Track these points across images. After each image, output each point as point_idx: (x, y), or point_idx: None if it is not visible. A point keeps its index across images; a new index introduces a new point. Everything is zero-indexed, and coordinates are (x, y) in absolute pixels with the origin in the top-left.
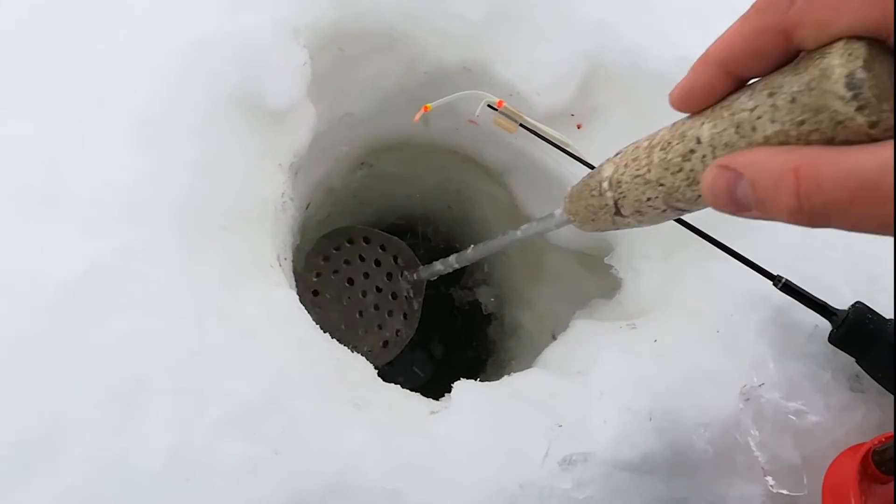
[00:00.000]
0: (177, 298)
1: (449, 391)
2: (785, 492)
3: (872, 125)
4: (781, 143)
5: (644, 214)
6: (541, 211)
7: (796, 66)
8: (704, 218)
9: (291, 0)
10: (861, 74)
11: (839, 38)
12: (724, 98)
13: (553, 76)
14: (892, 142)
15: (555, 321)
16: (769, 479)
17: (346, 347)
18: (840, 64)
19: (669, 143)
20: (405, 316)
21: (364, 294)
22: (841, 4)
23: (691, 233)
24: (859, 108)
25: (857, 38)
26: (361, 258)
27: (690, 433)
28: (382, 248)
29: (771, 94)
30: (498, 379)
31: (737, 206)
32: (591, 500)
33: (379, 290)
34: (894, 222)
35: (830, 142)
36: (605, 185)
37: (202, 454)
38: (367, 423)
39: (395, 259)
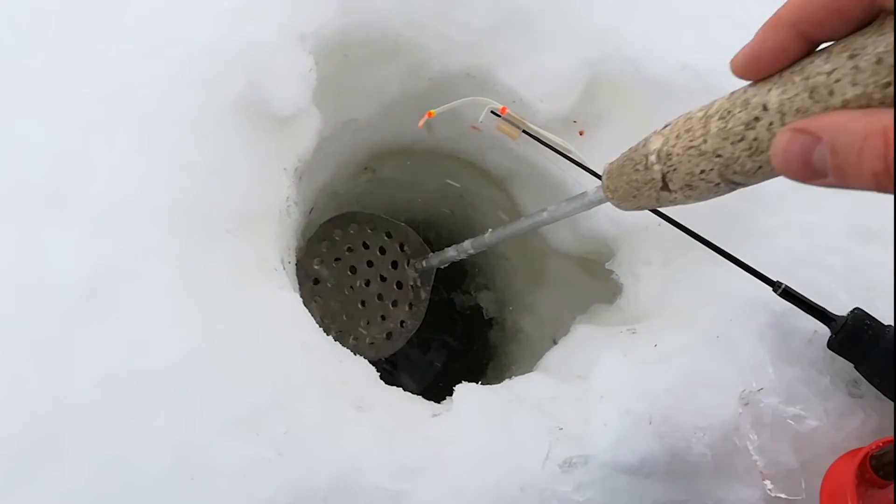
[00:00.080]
0: (181, 300)
1: (450, 394)
2: (783, 496)
3: None
4: (861, 108)
5: (694, 189)
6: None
7: (881, 27)
8: (705, 224)
9: (297, 6)
10: None
11: None
12: (793, 63)
13: (556, 83)
14: None
15: (556, 326)
16: (767, 483)
17: (348, 350)
18: None
19: (730, 111)
20: (411, 306)
21: (367, 283)
22: None
23: (692, 238)
24: None
25: None
26: (365, 245)
27: (690, 437)
28: (388, 234)
29: (852, 56)
30: (499, 383)
31: (810, 172)
32: (590, 502)
33: (383, 279)
34: None
35: None
36: (653, 158)
37: (206, 454)
38: (369, 424)
39: (402, 246)
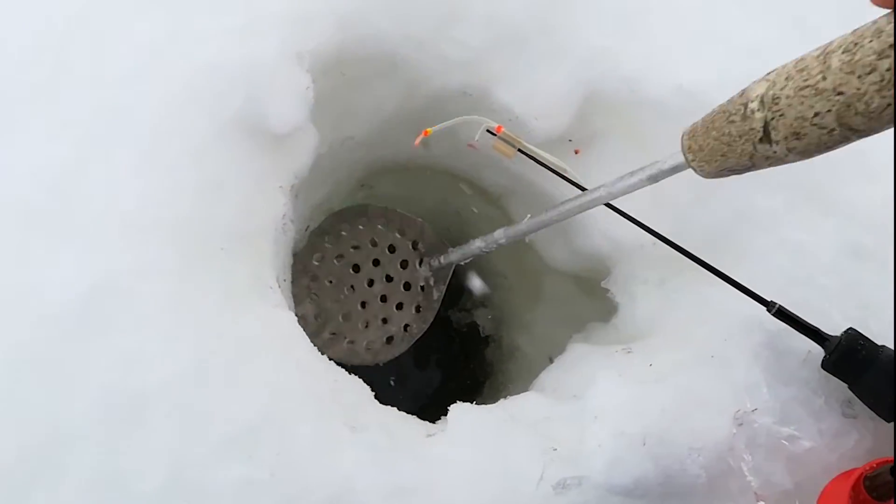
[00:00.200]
0: (176, 318)
1: (446, 413)
2: None
3: None
4: None
5: (801, 138)
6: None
7: None
8: (700, 244)
9: (295, 25)
10: None
11: None
12: None
13: (551, 102)
14: None
15: (552, 344)
16: None
17: (342, 368)
18: None
19: (856, 43)
20: (418, 309)
21: (371, 283)
22: None
23: (687, 259)
24: None
25: None
26: (374, 243)
27: (684, 458)
28: (401, 231)
29: None
30: (495, 401)
31: None
32: None
33: (389, 279)
34: None
35: None
36: (754, 105)
37: (200, 474)
38: (362, 445)
39: (415, 244)
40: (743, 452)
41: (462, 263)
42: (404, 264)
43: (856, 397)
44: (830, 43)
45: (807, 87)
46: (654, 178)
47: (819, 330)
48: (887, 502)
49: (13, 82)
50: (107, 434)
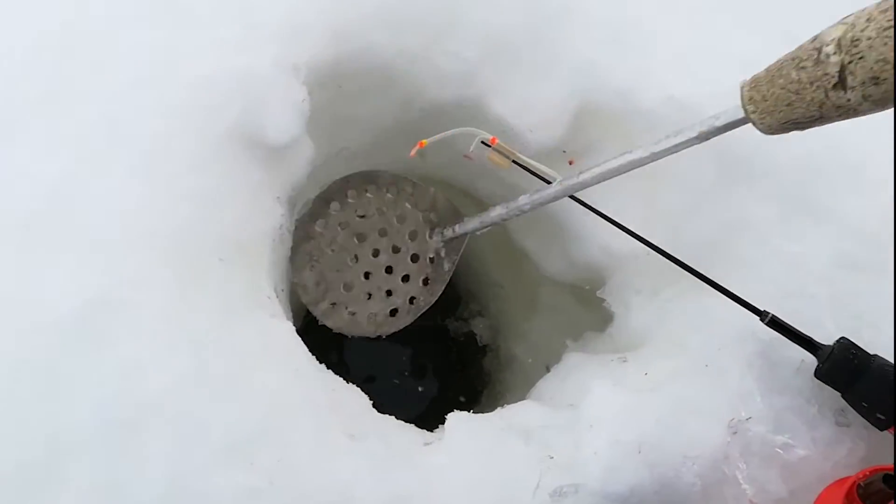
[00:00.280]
0: (175, 328)
1: (443, 422)
2: None
3: None
4: None
5: (881, 84)
6: (534, 244)
7: None
8: (693, 254)
9: (292, 38)
10: None
11: None
12: None
13: (545, 113)
14: None
15: (549, 353)
16: None
17: (340, 378)
18: None
19: None
20: (426, 281)
21: (376, 253)
22: None
23: (681, 269)
24: None
25: None
26: (381, 211)
27: (679, 466)
28: (411, 201)
29: None
30: (492, 410)
31: None
32: None
33: (396, 250)
34: None
35: None
36: (830, 48)
37: (199, 483)
38: (361, 453)
39: (427, 214)
40: (737, 460)
41: (478, 234)
42: (413, 235)
43: (849, 406)
44: None
45: (891, 27)
46: (704, 136)
47: (812, 339)
48: None
49: (12, 95)
50: (107, 443)
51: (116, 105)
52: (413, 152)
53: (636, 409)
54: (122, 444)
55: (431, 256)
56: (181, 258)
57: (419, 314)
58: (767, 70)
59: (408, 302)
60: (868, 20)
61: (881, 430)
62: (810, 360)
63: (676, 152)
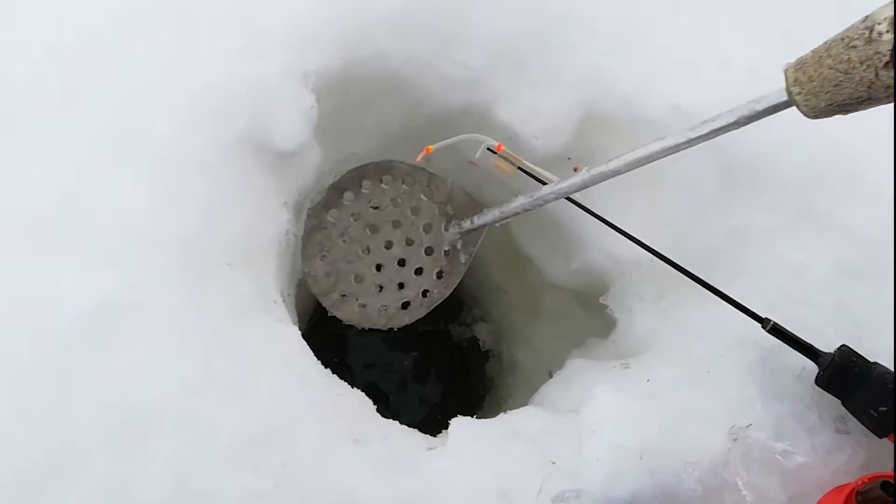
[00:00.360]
0: (183, 332)
1: (446, 427)
2: None
3: None
4: None
5: None
6: (537, 249)
7: None
8: (695, 261)
9: (300, 46)
10: None
11: None
12: None
13: (551, 121)
14: None
15: (551, 359)
16: None
17: (345, 383)
18: None
19: None
20: (440, 274)
21: (388, 245)
22: None
23: (683, 276)
24: None
25: None
26: (395, 203)
27: (680, 472)
28: (427, 193)
29: None
30: (495, 415)
31: None
32: None
33: (410, 242)
34: None
35: None
36: (883, 27)
37: (205, 486)
38: (365, 457)
39: (443, 206)
40: (738, 467)
41: (497, 225)
42: (428, 227)
43: (849, 413)
44: None
45: None
46: (744, 121)
47: (813, 346)
48: None
49: (24, 101)
50: (114, 445)
51: (127, 111)
52: (419, 158)
53: (638, 415)
54: (128, 447)
55: (447, 249)
56: (189, 263)
57: (433, 307)
58: (814, 51)
59: (420, 295)
60: None
61: (880, 437)
62: (811, 368)
63: (713, 138)
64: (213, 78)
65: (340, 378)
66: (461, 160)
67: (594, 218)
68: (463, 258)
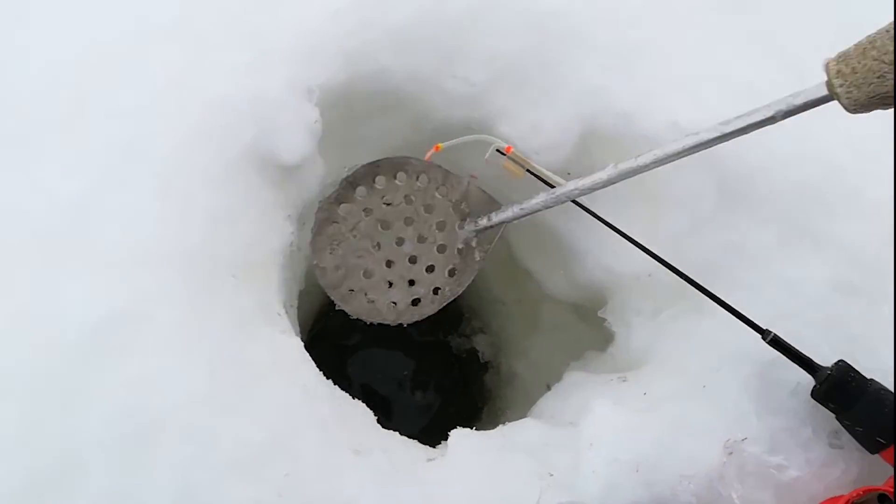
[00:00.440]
0: (189, 343)
1: (445, 437)
2: None
3: None
4: None
5: None
6: (537, 263)
7: None
8: (695, 276)
9: (305, 62)
10: None
11: None
12: None
13: (551, 136)
14: None
15: (549, 371)
16: None
17: (346, 394)
18: None
19: None
20: (452, 272)
21: (400, 242)
22: None
23: (680, 289)
24: None
25: None
26: (409, 200)
27: (675, 485)
28: (442, 190)
29: None
30: (493, 427)
31: None
32: None
33: (422, 239)
34: None
35: None
36: None
37: (208, 494)
38: (366, 468)
39: (459, 205)
40: (733, 480)
41: (516, 221)
42: (441, 225)
43: (842, 428)
44: None
45: None
46: (782, 115)
47: (811, 360)
48: None
49: (35, 114)
50: (120, 453)
51: (135, 125)
52: (428, 156)
53: (635, 428)
54: (134, 455)
55: (460, 247)
56: (195, 275)
57: (445, 304)
58: (856, 45)
59: (431, 292)
60: None
61: (873, 452)
62: (805, 383)
63: (746, 133)
64: (219, 92)
65: (340, 388)
66: (464, 172)
67: (593, 233)
68: (478, 256)
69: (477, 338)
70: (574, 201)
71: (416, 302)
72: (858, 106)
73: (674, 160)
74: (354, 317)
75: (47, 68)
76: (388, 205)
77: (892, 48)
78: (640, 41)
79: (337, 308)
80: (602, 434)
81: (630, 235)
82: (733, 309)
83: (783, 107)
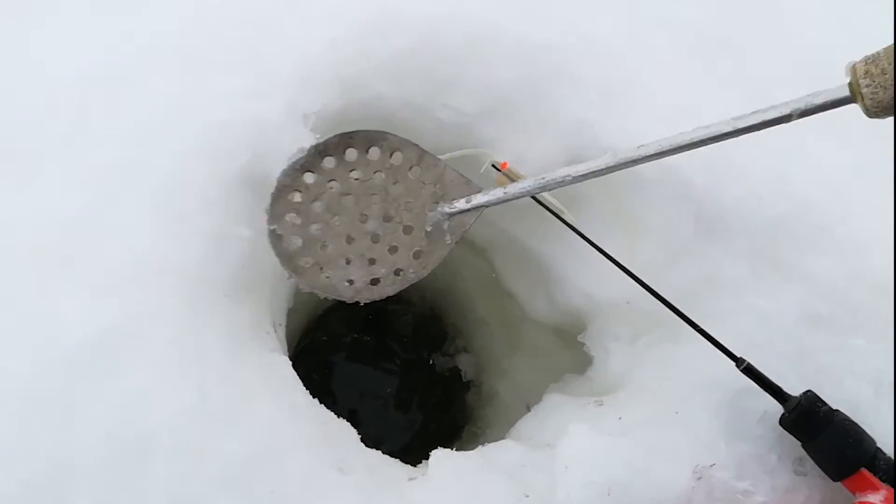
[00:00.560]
0: (181, 361)
1: (426, 456)
2: None
3: None
4: None
5: None
6: (519, 285)
7: None
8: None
9: (302, 88)
10: None
11: None
12: None
13: (537, 166)
14: None
15: (530, 391)
16: None
17: (331, 412)
18: None
19: None
20: (417, 255)
21: (364, 219)
22: None
23: (657, 317)
24: None
25: None
26: (379, 175)
27: None
28: (416, 171)
29: None
30: (474, 445)
31: None
32: None
33: (388, 218)
34: None
35: None
36: None
37: None
38: (350, 486)
39: (432, 187)
40: None
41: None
42: (409, 205)
43: (807, 456)
44: None
45: None
46: (798, 114)
47: (781, 389)
48: None
49: (36, 133)
50: (111, 469)
51: (134, 144)
52: None
53: (609, 452)
54: (127, 470)
55: (428, 229)
56: (189, 294)
57: (406, 286)
58: (886, 48)
59: (393, 273)
60: None
61: (835, 480)
62: (772, 411)
63: (761, 130)
64: (218, 116)
65: (324, 402)
66: None
67: (574, 258)
68: (448, 239)
69: (460, 357)
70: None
71: (375, 282)
72: (880, 109)
73: (681, 152)
74: (308, 290)
75: (47, 86)
76: (357, 179)
77: None
78: (625, 78)
79: (301, 288)
80: (577, 457)
81: (612, 255)
82: (710, 336)
83: (801, 105)
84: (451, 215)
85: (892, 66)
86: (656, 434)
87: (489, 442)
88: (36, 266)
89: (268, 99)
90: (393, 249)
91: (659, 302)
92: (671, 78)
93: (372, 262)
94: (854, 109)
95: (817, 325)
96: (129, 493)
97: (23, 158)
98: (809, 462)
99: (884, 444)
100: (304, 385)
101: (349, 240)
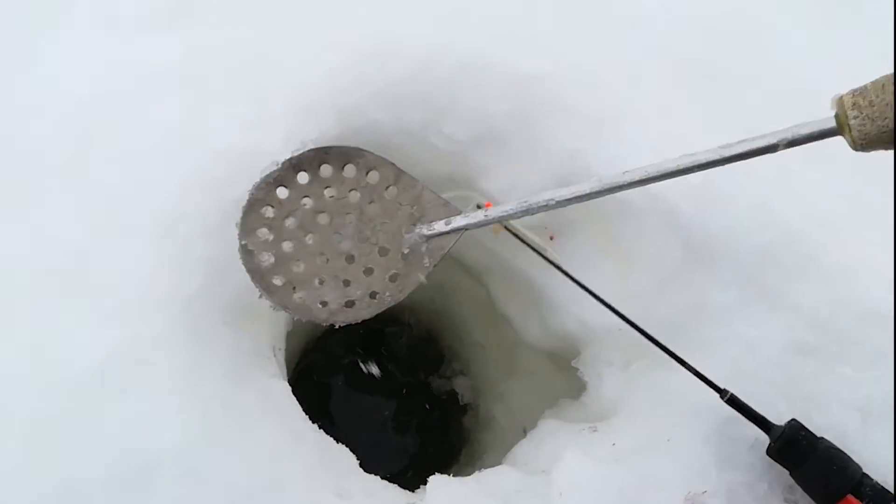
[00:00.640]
0: (185, 387)
1: (424, 480)
2: None
3: None
4: None
5: None
6: (514, 310)
7: None
8: (660, 332)
9: (300, 117)
10: None
11: None
12: None
13: (529, 194)
14: None
15: (526, 415)
16: None
17: (330, 437)
18: None
19: None
20: (394, 278)
21: (338, 238)
22: None
23: (649, 344)
24: None
25: None
26: (354, 195)
27: None
28: (393, 192)
29: None
30: (471, 468)
31: None
32: None
33: (364, 239)
34: None
35: None
36: None
37: None
38: None
39: (410, 208)
40: None
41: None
42: (386, 227)
43: (797, 484)
44: None
45: None
46: (785, 144)
47: (765, 419)
48: None
49: (39, 160)
50: (115, 496)
51: (136, 173)
52: None
53: (602, 479)
54: (130, 498)
55: (405, 252)
56: (191, 320)
57: (382, 309)
58: (874, 82)
59: (368, 296)
60: None
61: None
62: (763, 439)
63: (747, 159)
64: (219, 144)
65: (322, 425)
66: None
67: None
68: (427, 261)
69: (457, 380)
70: (544, 257)
71: (350, 304)
72: (868, 141)
73: (667, 178)
74: (278, 310)
75: (49, 116)
76: (332, 197)
77: None
78: (615, 107)
79: (272, 308)
80: (571, 484)
81: (596, 293)
82: (692, 368)
83: (788, 136)
84: (430, 237)
85: (880, 99)
86: (649, 461)
87: (486, 467)
88: (39, 294)
89: (267, 127)
90: (368, 271)
91: (651, 328)
92: (661, 107)
93: (346, 283)
94: (839, 141)
95: (805, 353)
96: None
97: (24, 187)
98: (799, 490)
99: (871, 470)
100: (303, 407)
101: (323, 259)
